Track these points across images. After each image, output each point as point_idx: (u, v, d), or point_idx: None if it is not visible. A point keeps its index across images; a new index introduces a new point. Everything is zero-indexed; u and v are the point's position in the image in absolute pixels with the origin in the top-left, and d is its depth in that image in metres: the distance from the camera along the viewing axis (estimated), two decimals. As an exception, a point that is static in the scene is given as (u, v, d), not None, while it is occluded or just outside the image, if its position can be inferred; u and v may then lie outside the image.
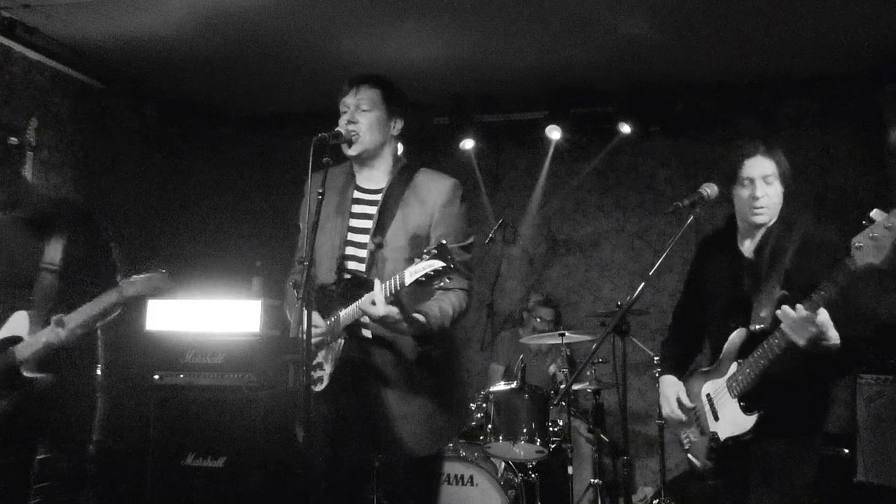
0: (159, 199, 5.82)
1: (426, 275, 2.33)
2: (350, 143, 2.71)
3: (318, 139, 2.57)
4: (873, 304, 2.57)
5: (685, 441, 2.85)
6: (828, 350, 2.40)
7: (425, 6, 4.38)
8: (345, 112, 2.75)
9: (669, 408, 2.86)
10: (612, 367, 4.57)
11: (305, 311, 2.38)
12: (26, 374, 3.01)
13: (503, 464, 4.44)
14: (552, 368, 5.09)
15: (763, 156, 2.65)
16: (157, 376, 4.80)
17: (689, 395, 2.81)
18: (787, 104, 5.66)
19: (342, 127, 2.71)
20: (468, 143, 5.91)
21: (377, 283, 2.46)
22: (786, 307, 2.42)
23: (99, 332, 3.31)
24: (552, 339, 4.81)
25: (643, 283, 2.73)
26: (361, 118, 2.73)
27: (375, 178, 2.81)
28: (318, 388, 2.69)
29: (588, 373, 4.86)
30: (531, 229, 6.22)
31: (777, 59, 5.12)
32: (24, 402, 3.02)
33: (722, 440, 2.67)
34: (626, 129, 5.63)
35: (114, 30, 4.64)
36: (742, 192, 2.68)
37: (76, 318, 3.02)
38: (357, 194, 2.80)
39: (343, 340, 2.69)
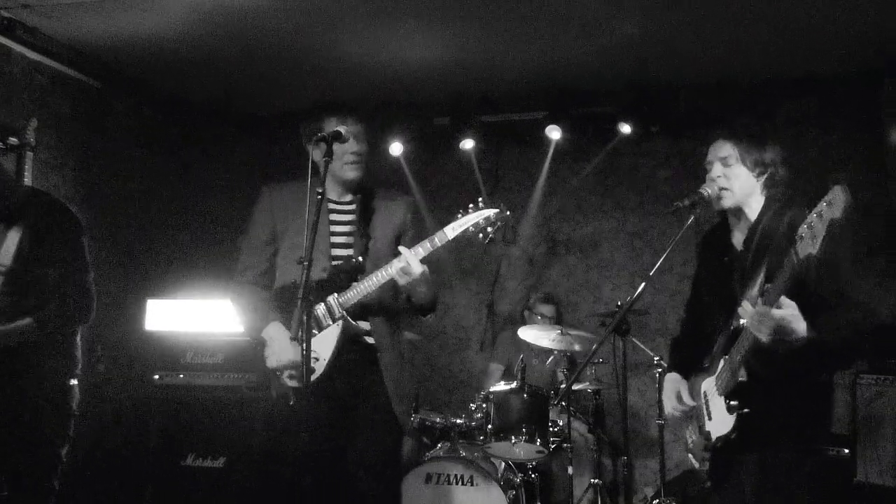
0: (159, 199, 5.82)
1: (475, 224, 2.70)
2: (357, 170, 3.05)
3: (318, 139, 2.61)
4: (851, 292, 2.44)
5: (689, 440, 2.82)
6: (793, 345, 2.33)
7: (425, 6, 4.37)
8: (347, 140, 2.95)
9: (669, 405, 2.85)
10: (612, 367, 4.57)
11: (306, 312, 2.44)
12: None
13: (503, 464, 4.44)
14: (550, 363, 5.06)
15: (723, 140, 2.65)
16: (157, 376, 4.80)
17: (692, 393, 2.78)
18: (787, 104, 5.65)
19: (346, 153, 2.97)
20: (468, 143, 5.91)
21: (404, 248, 2.79)
22: (745, 302, 2.39)
23: (78, 335, 3.17)
24: (553, 342, 4.79)
25: (644, 284, 2.73)
26: (363, 148, 3.06)
27: (343, 192, 3.11)
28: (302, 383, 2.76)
29: (588, 373, 4.86)
30: (531, 229, 6.21)
31: (777, 58, 5.12)
32: None
33: (713, 440, 2.63)
34: (626, 129, 5.63)
35: (114, 30, 4.64)
36: (706, 177, 2.69)
37: None
38: (332, 205, 3.05)
39: (342, 323, 2.86)
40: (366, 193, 3.13)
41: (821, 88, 5.47)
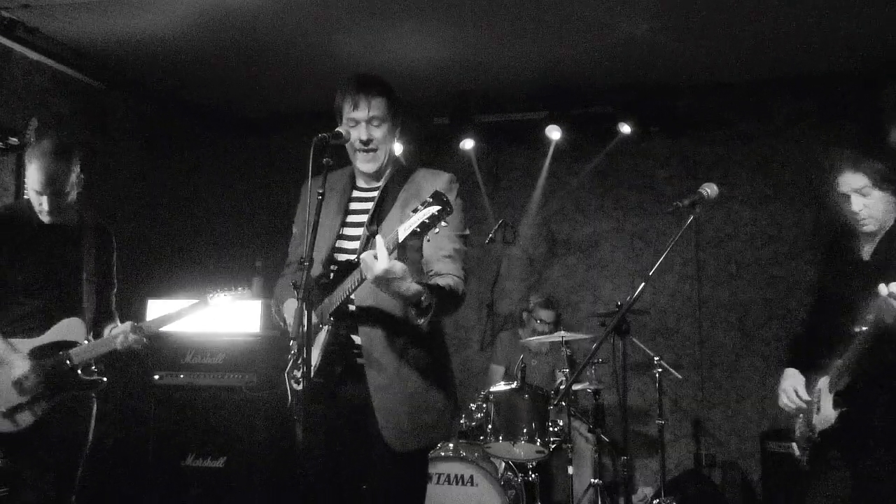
0: (159, 200, 5.82)
1: (422, 223, 2.25)
2: (370, 160, 2.70)
3: (319, 139, 2.56)
4: None
5: (797, 430, 2.95)
6: None
7: (425, 6, 4.38)
8: (354, 125, 2.68)
9: (786, 398, 2.95)
10: (612, 367, 4.57)
11: (305, 311, 2.38)
12: (85, 376, 3.19)
13: (503, 464, 4.44)
14: (560, 377, 5.06)
15: (851, 171, 2.74)
16: (157, 376, 4.80)
17: (809, 389, 2.90)
18: (787, 104, 5.66)
19: (355, 140, 2.66)
20: (468, 143, 5.92)
21: (379, 238, 2.33)
22: (882, 286, 2.44)
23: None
24: (553, 339, 4.81)
25: (643, 283, 2.74)
26: (376, 133, 2.68)
27: (374, 179, 2.80)
28: (302, 385, 2.52)
29: (588, 373, 4.86)
30: (531, 229, 6.22)
31: (777, 58, 5.12)
32: (75, 402, 3.20)
33: (816, 432, 2.78)
34: (626, 129, 5.63)
35: (114, 30, 4.64)
36: (844, 207, 2.78)
37: (155, 326, 3.26)
38: (355, 193, 2.80)
39: (329, 327, 2.60)
40: (397, 178, 2.74)
41: (821, 88, 5.48)
